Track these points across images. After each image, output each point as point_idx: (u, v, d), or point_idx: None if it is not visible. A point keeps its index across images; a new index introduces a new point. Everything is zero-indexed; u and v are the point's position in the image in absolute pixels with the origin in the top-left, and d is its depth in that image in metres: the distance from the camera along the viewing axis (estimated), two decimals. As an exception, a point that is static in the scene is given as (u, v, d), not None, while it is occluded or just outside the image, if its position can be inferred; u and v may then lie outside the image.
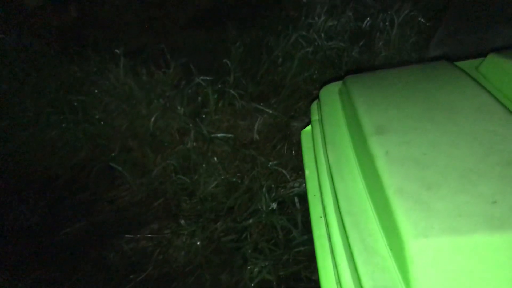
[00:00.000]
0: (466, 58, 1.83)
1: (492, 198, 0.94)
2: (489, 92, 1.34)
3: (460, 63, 1.72)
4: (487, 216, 0.91)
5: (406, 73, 1.75)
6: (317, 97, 1.94)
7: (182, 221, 2.78)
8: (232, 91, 3.60)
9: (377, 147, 1.20)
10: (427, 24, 4.02)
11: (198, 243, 2.67)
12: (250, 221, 2.69)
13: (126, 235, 2.82)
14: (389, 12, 4.09)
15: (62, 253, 2.84)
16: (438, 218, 0.93)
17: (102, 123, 3.67)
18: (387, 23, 4.01)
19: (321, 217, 1.57)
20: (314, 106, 1.97)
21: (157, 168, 3.16)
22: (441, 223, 0.92)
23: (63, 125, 3.75)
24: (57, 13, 5.73)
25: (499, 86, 1.49)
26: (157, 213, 2.96)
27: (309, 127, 1.98)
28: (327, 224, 1.34)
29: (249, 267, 2.47)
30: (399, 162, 1.12)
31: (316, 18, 4.24)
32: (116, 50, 3.99)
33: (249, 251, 2.55)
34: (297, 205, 2.67)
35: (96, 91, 3.87)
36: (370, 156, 1.19)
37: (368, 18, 4.15)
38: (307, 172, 1.81)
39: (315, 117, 1.89)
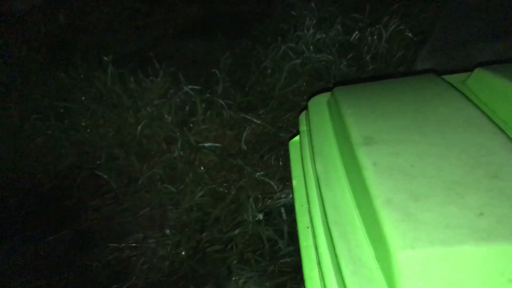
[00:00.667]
0: (453, 72, 1.85)
1: (479, 210, 0.95)
2: (476, 105, 1.35)
3: (447, 77, 1.74)
4: (474, 228, 0.91)
5: (394, 85, 1.76)
6: (305, 108, 1.94)
7: (167, 231, 2.76)
8: (220, 101, 3.59)
9: (365, 158, 1.20)
10: (415, 38, 4.07)
11: (183, 253, 2.64)
12: (236, 231, 2.67)
13: (111, 244, 2.78)
14: (377, 26, 4.13)
15: (45, 262, 2.79)
16: (425, 229, 0.93)
17: (88, 130, 3.63)
18: (375, 37, 4.05)
19: (308, 227, 1.56)
20: (302, 116, 1.97)
21: (143, 177, 3.14)
22: (429, 235, 0.91)
23: (49, 131, 3.71)
24: (46, 19, 5.70)
25: (485, 100, 1.51)
26: (142, 222, 2.93)
27: (297, 137, 1.98)
28: (314, 234, 1.33)
29: (234, 278, 2.45)
30: (387, 173, 1.12)
31: (305, 31, 4.27)
32: (104, 57, 3.97)
33: (235, 262, 2.53)
34: (284, 216, 2.66)
35: (83, 98, 3.85)
36: (358, 166, 1.19)
37: (357, 32, 4.19)
38: (294, 182, 1.81)
39: (303, 127, 1.88)
